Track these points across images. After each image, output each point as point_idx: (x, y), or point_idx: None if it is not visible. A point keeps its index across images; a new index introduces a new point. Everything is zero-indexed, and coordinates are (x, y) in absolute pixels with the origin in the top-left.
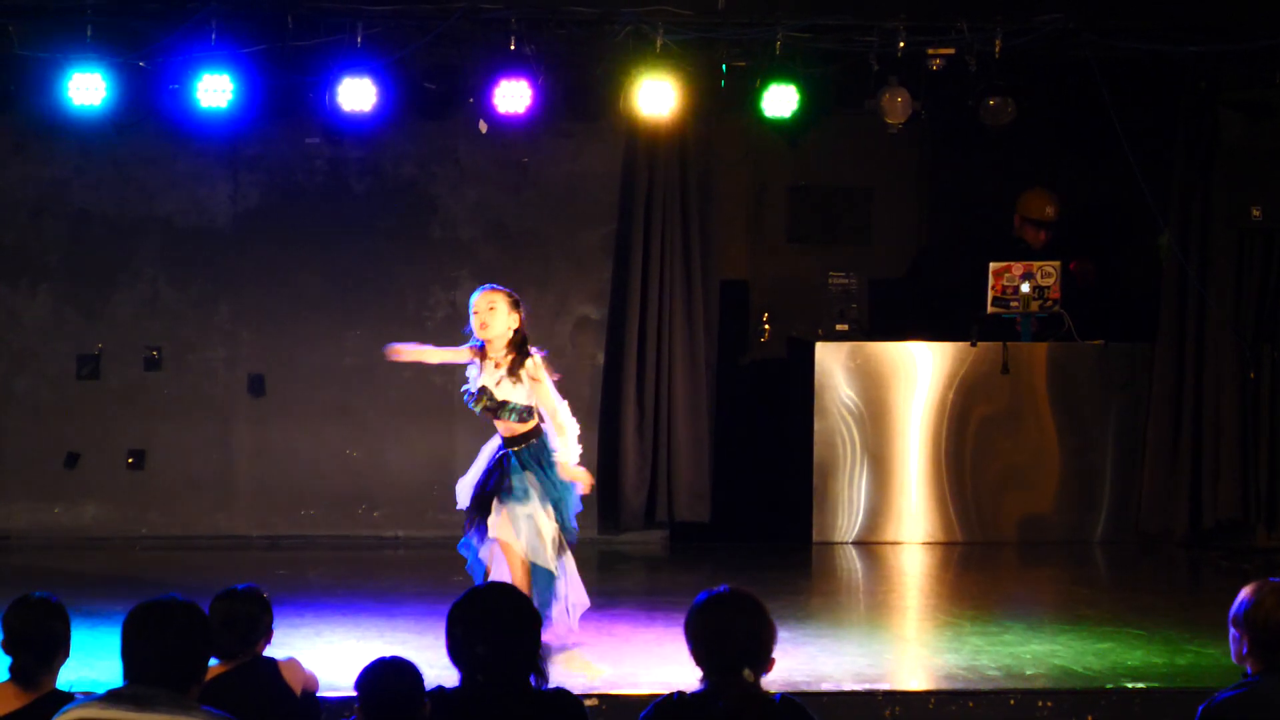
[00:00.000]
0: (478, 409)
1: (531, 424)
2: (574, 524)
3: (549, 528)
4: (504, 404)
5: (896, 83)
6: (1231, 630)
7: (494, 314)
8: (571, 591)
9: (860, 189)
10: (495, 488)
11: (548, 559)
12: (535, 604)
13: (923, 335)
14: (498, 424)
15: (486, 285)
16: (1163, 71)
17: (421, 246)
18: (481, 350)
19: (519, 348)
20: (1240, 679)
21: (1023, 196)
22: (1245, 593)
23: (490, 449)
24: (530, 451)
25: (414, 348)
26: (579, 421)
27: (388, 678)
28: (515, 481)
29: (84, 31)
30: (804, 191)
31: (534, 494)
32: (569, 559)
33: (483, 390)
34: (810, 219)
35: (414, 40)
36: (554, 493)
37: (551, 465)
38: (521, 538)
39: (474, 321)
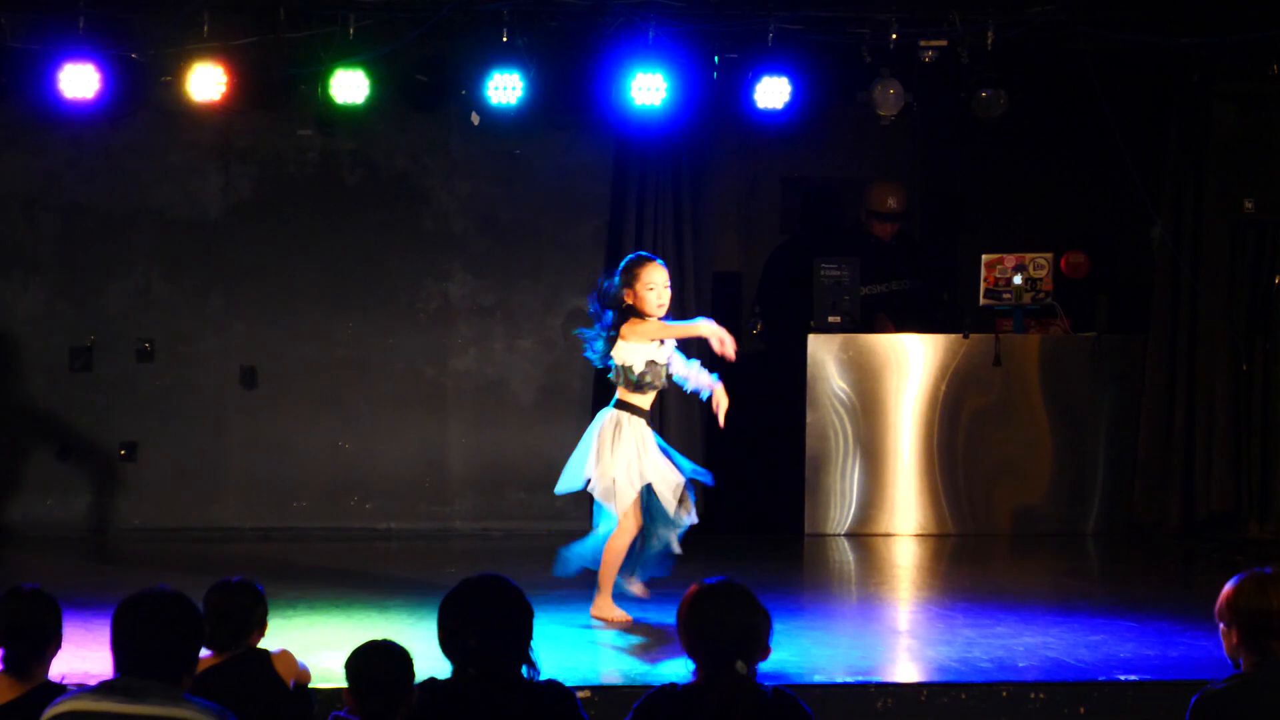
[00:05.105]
0: (659, 386)
1: None
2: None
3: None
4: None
5: (889, 75)
6: (1219, 623)
7: (668, 291)
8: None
9: (852, 181)
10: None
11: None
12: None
13: (914, 327)
14: (645, 401)
15: (657, 258)
16: (1156, 63)
17: (413, 238)
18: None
19: None
20: (1232, 671)
21: (867, 191)
22: (1229, 583)
23: (639, 427)
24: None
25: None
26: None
27: (377, 659)
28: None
29: (76, 24)
30: (796, 183)
31: None
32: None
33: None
34: (803, 211)
35: (406, 32)
36: None
37: None
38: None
39: (655, 298)
